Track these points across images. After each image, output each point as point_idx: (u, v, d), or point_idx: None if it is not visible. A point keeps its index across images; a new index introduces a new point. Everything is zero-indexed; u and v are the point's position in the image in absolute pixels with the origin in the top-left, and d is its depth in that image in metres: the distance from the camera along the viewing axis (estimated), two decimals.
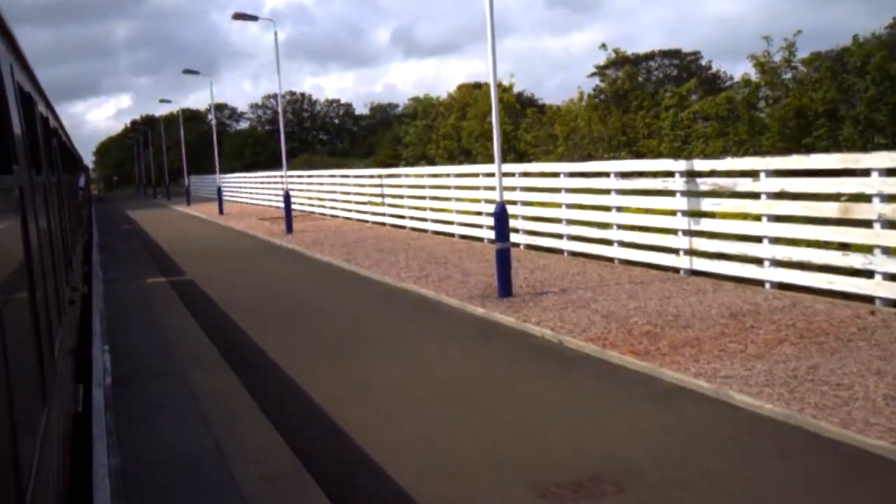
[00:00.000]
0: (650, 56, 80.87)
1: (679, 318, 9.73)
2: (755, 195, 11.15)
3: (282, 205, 36.57)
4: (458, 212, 19.86)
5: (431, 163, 42.10)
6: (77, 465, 5.41)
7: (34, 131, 4.76)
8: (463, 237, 19.61)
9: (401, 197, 23.33)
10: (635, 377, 7.74)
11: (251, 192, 44.29)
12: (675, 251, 12.68)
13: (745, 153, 23.32)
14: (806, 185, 10.45)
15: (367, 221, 25.99)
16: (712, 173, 11.91)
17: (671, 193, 12.63)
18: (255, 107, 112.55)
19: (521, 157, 37.60)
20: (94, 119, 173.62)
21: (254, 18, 24.17)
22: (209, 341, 10.06)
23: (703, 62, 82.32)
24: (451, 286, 13.12)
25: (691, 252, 12.37)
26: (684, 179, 12.35)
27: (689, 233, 12.36)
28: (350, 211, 27.69)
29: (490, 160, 35.00)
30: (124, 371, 8.90)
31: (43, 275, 3.82)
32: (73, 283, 8.16)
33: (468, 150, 43.07)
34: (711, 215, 12.11)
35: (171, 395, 7.86)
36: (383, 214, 24.73)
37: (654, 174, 13.20)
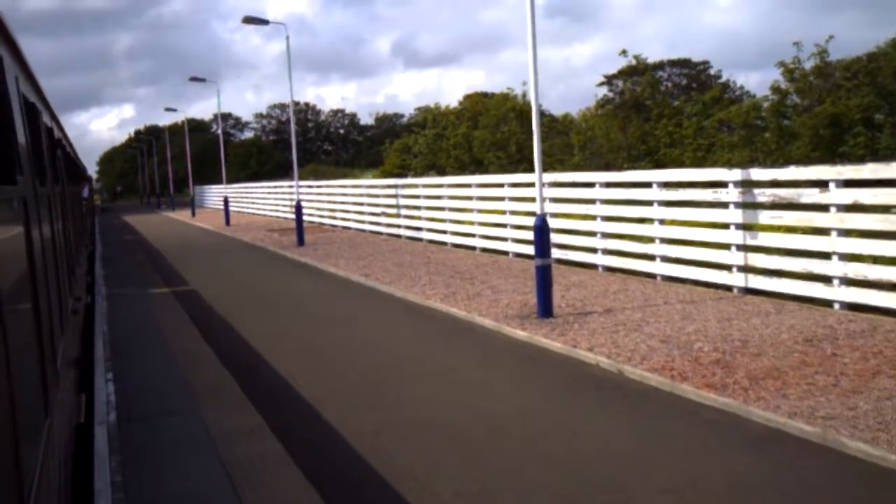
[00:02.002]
0: (660, 65, 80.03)
1: (748, 344, 8.73)
2: (823, 207, 10.17)
3: (290, 216, 35.74)
4: (481, 224, 18.87)
5: (442, 173, 41.16)
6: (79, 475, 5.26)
7: (38, 142, 4.69)
8: (485, 251, 18.62)
9: (417, 208, 22.35)
10: (720, 417, 6.73)
11: (258, 202, 43.36)
12: (727, 267, 11.69)
13: (775, 162, 22.38)
14: (885, 196, 9.45)
15: (380, 233, 25.01)
16: (773, 183, 10.92)
17: (724, 205, 11.64)
18: (259, 116, 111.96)
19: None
20: (97, 129, 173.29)
21: (265, 22, 23.24)
22: (225, 370, 9.07)
23: (713, 71, 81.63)
24: (483, 305, 12.13)
25: (746, 268, 11.37)
26: (739, 190, 11.37)
27: (745, 248, 11.36)
28: (363, 222, 26.72)
29: (503, 170, 34.22)
30: (131, 406, 7.92)
31: (46, 285, 3.80)
32: (77, 294, 8.03)
33: (479, 159, 42.14)
34: (771, 229, 11.11)
35: (186, 438, 6.87)
36: (398, 226, 23.75)
37: (704, 184, 12.21)
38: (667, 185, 12.91)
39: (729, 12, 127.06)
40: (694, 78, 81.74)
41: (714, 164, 24.00)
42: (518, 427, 6.78)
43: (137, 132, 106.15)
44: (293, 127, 25.51)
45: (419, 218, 22.25)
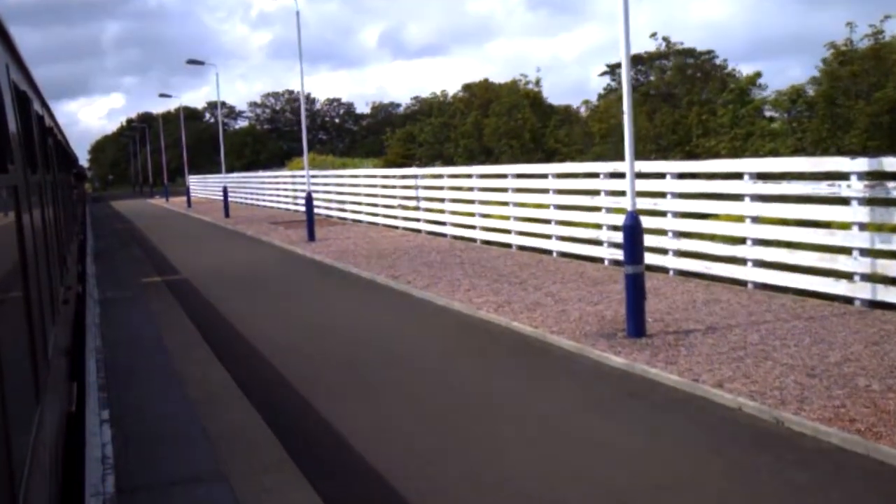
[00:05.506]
0: (665, 55, 78.13)
1: None
2: None
3: (293, 207, 33.67)
4: (518, 219, 16.89)
5: (448, 162, 39.16)
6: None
7: (30, 130, 4.61)
8: (523, 248, 16.64)
9: (441, 200, 20.33)
10: None
11: (258, 193, 41.24)
12: (847, 276, 9.76)
13: (826, 152, 20.50)
14: None
15: (397, 228, 22.99)
16: None
17: (844, 201, 9.70)
18: (253, 105, 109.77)
19: (550, 156, 34.83)
20: (86, 118, 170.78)
21: None
22: (252, 408, 7.08)
23: (718, 61, 79.86)
24: (549, 317, 10.16)
25: (874, 278, 9.44)
26: (865, 183, 9.43)
27: (872, 253, 9.43)
28: (376, 216, 24.68)
29: (515, 160, 32.16)
30: (133, 459, 5.93)
31: (37, 274, 3.76)
32: (68, 283, 7.84)
33: (490, 148, 40.20)
34: None
35: None
36: (417, 220, 21.74)
37: (812, 176, 10.28)
38: (762, 176, 10.96)
39: (717, 5, 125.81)
40: (698, 67, 79.99)
41: (755, 155, 22.15)
42: None
43: (129, 121, 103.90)
44: (303, 113, 23.47)
45: (442, 211, 20.23)
